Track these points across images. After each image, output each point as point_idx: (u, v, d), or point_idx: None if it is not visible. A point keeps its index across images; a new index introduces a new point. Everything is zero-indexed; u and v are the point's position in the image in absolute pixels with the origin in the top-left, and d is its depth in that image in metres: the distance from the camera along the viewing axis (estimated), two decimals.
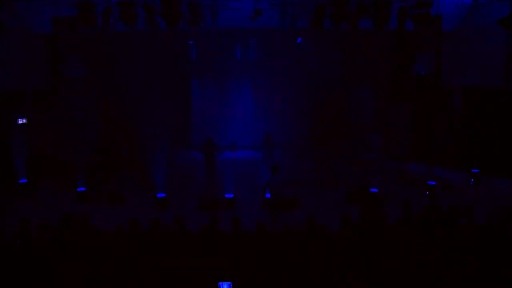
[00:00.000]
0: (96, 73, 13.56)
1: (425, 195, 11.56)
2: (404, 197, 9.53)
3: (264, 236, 6.76)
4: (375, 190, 11.35)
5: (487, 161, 13.52)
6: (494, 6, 12.71)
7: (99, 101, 14.26)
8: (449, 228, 6.95)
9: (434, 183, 12.09)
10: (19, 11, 13.18)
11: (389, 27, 10.47)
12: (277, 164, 10.14)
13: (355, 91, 16.66)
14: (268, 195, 9.85)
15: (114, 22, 10.99)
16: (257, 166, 14.25)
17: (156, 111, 12.96)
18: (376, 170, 12.40)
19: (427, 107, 15.85)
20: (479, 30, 13.69)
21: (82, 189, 11.65)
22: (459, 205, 7.92)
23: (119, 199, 11.32)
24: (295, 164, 14.00)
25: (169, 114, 13.38)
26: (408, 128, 16.30)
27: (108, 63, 14.41)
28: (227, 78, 17.68)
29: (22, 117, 13.85)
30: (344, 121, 15.67)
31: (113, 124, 15.44)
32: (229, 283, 4.98)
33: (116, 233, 6.72)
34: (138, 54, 14.00)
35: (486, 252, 5.73)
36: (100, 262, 5.60)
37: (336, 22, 10.38)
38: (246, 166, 15.08)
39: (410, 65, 11.33)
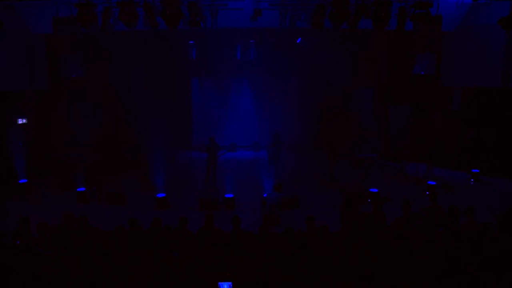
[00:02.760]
0: (96, 73, 13.55)
1: (425, 195, 11.56)
2: (404, 197, 9.56)
3: (264, 236, 6.75)
4: (375, 190, 11.35)
5: (487, 161, 13.53)
6: (494, 6, 12.73)
7: (99, 101, 14.27)
8: (450, 228, 6.95)
9: (434, 183, 12.11)
10: (19, 11, 13.19)
11: (389, 27, 10.46)
12: (281, 183, 10.27)
13: (355, 91, 16.70)
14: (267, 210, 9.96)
15: (114, 22, 10.98)
16: (257, 166, 14.27)
17: (156, 111, 12.97)
18: (376, 170, 12.40)
19: (427, 107, 15.88)
20: (479, 30, 13.70)
21: (82, 189, 11.65)
22: (459, 205, 7.92)
23: (119, 199, 11.32)
24: (295, 164, 13.99)
25: (169, 114, 13.37)
26: (408, 128, 16.33)
27: (108, 63, 14.42)
28: (227, 78, 17.70)
29: (22, 117, 13.86)
30: (344, 121, 15.68)
31: (113, 124, 15.46)
32: (229, 283, 4.98)
33: (116, 233, 6.72)
34: (138, 54, 14.00)
35: (486, 252, 5.73)
36: (100, 262, 5.60)
37: (336, 22, 10.37)
38: (246, 166, 15.10)
39: (410, 65, 11.34)
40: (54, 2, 10.40)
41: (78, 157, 12.98)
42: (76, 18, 9.93)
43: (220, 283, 4.97)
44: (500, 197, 11.68)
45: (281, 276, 5.31)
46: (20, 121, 13.78)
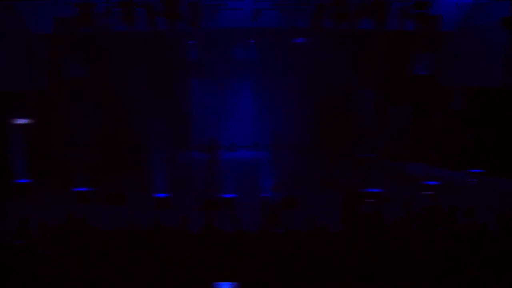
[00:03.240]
0: (96, 73, 13.54)
1: (424, 195, 11.55)
2: (404, 197, 9.56)
3: (264, 236, 6.75)
4: (375, 190, 11.35)
5: (487, 161, 13.52)
6: (494, 6, 12.71)
7: (99, 101, 14.26)
8: (450, 228, 6.95)
9: (434, 183, 12.10)
10: (19, 11, 13.18)
11: (389, 27, 10.47)
12: (281, 183, 10.29)
13: (355, 91, 16.67)
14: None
15: (114, 22, 10.99)
16: (257, 166, 14.24)
17: (156, 111, 12.96)
18: (376, 170, 12.39)
19: (427, 107, 15.87)
20: (479, 30, 13.69)
21: (82, 189, 11.64)
22: (459, 205, 7.92)
23: (119, 199, 11.32)
24: (295, 164, 13.99)
25: (169, 114, 13.37)
26: (408, 128, 16.33)
27: (108, 63, 14.40)
28: (227, 78, 17.68)
29: (22, 117, 13.85)
30: (344, 121, 15.67)
31: (113, 124, 15.45)
32: (230, 283, 4.98)
33: (116, 233, 6.72)
34: (138, 54, 13.98)
35: (486, 252, 5.72)
36: (100, 262, 5.60)
37: (336, 22, 10.39)
38: (246, 166, 15.08)
39: (410, 65, 11.38)
40: (54, 2, 10.41)
41: (78, 157, 12.97)
42: (76, 18, 9.94)
43: (220, 283, 4.97)
44: (500, 197, 11.67)
45: (282, 276, 5.31)
46: (20, 121, 13.77)
